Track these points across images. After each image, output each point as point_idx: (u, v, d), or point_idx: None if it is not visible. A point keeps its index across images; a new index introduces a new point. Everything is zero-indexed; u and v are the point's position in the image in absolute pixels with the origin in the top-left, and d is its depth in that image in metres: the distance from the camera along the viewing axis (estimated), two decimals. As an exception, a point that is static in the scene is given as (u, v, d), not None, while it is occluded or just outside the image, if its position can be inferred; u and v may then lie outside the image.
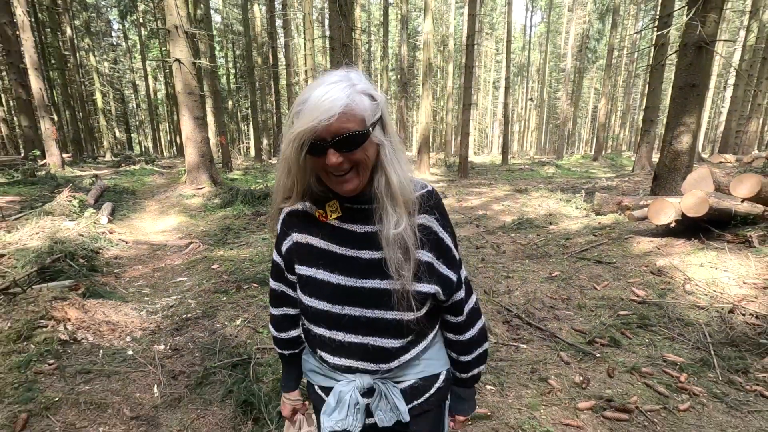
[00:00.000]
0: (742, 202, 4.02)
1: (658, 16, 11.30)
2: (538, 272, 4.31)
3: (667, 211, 4.36)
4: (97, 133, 26.12)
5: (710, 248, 3.95)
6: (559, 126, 32.89)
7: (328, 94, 0.72)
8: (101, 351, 2.78)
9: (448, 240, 0.90)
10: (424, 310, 0.88)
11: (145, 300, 3.81)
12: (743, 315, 3.05)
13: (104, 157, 21.04)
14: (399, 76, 22.41)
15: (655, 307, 3.32)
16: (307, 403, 1.14)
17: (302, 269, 0.90)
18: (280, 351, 1.09)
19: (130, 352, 2.82)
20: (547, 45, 38.23)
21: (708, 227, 4.24)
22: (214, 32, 17.22)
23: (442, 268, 0.89)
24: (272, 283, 1.03)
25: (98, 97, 23.85)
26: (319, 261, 0.88)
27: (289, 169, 0.83)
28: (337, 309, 0.86)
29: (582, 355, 2.82)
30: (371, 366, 0.89)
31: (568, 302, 3.60)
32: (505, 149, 20.78)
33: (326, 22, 15.37)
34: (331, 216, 0.88)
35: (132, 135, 35.49)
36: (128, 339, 2.99)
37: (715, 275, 3.54)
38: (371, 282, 0.84)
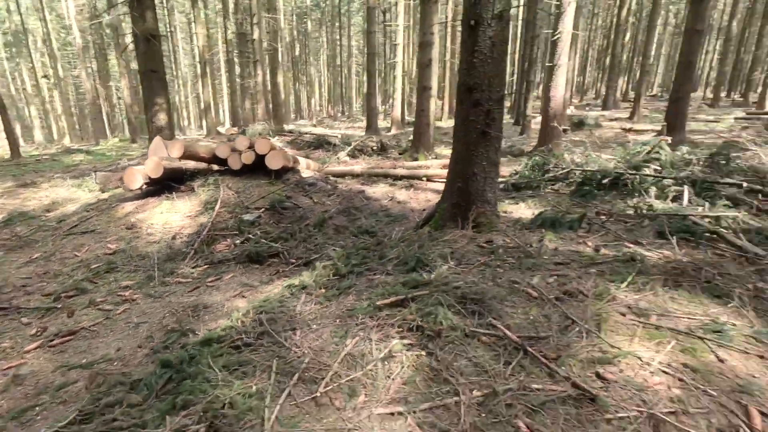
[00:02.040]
0: (180, 159, 5.50)
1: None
2: (17, 260, 4.21)
3: (136, 177, 5.29)
4: None
5: (170, 199, 5.22)
6: (91, 108, 29.59)
7: None
8: None
9: None
10: None
11: None
12: (181, 238, 4.40)
13: None
14: None
15: (122, 254, 4.14)
16: None
17: None
18: None
19: None
20: (44, 11, 32.10)
21: (171, 184, 5.53)
22: None
23: None
24: None
25: None
26: None
27: None
28: None
29: (45, 312, 3.19)
30: None
31: (44, 276, 3.83)
32: (12, 140, 16.69)
33: None
34: None
35: None
36: None
37: (168, 217, 4.79)
38: None
